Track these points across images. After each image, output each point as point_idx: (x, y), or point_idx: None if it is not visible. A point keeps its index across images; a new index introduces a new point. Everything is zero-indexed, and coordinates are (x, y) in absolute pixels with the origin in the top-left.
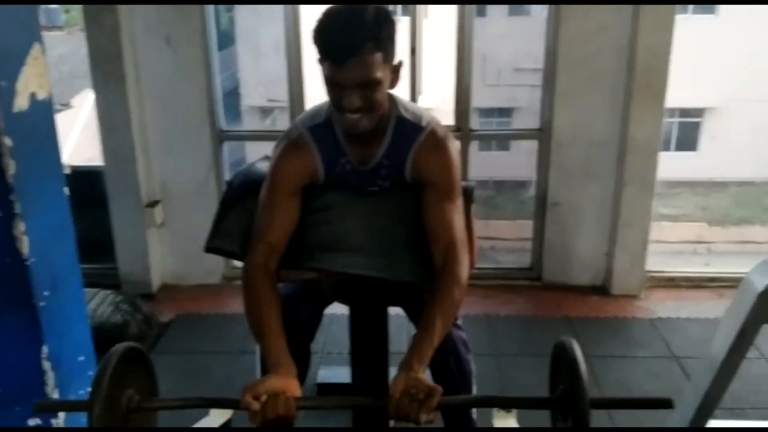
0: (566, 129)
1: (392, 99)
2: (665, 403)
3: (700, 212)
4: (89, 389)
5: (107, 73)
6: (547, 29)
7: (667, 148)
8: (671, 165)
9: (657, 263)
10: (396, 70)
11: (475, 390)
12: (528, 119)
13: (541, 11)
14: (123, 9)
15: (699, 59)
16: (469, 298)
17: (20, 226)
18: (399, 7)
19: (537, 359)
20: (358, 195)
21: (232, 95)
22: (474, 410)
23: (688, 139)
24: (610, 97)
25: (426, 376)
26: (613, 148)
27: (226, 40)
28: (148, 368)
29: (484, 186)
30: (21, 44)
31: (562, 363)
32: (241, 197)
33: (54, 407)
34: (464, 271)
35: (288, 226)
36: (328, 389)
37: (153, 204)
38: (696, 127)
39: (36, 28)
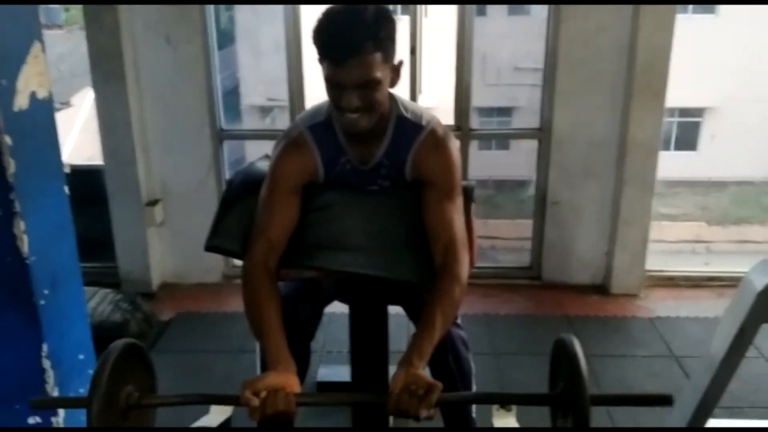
0: (566, 128)
1: (392, 98)
2: (665, 400)
3: (699, 212)
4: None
5: (107, 72)
6: (547, 29)
7: (666, 148)
8: (671, 164)
9: (656, 262)
10: (396, 70)
11: (474, 389)
12: (528, 119)
13: (541, 11)
14: (123, 8)
15: (699, 59)
16: (469, 297)
17: (20, 225)
18: (399, 6)
19: (536, 358)
20: (358, 194)
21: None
22: (474, 410)
23: (687, 139)
24: (610, 96)
25: (426, 373)
26: (612, 147)
27: (226, 39)
28: (147, 365)
29: (484, 185)
30: (21, 43)
31: (562, 359)
32: (241, 196)
33: (52, 404)
34: (464, 270)
35: (288, 224)
36: (327, 388)
37: (153, 203)
38: (696, 126)
39: (36, 26)
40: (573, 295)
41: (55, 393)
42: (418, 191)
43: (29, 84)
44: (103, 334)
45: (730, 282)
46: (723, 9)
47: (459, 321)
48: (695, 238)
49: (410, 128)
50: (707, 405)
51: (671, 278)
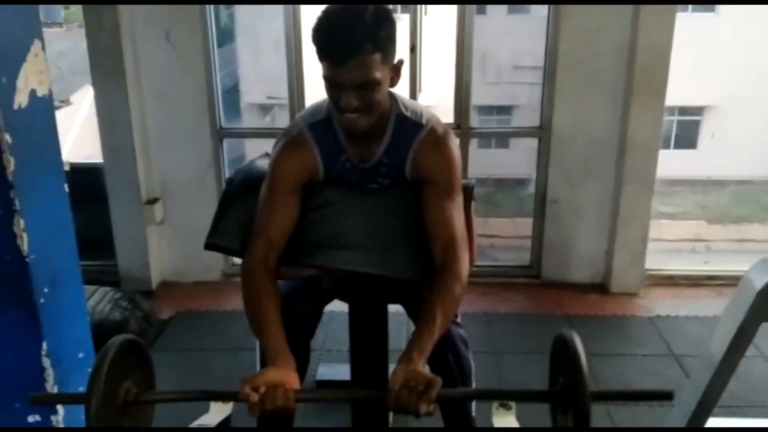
0: (566, 127)
1: (392, 97)
2: (666, 395)
3: (699, 210)
4: None
5: (107, 69)
6: (547, 27)
7: (666, 147)
8: (671, 163)
9: (656, 261)
10: (396, 69)
11: (474, 387)
12: (528, 117)
13: (541, 9)
14: (123, 6)
15: (699, 58)
16: (469, 295)
17: (20, 223)
18: (399, 5)
19: (536, 357)
20: (358, 192)
21: (232, 92)
22: (473, 409)
23: (687, 138)
24: (610, 95)
25: (425, 370)
26: (612, 146)
27: (226, 36)
28: (145, 361)
29: (484, 184)
30: (21, 41)
31: (562, 356)
32: (241, 194)
33: (50, 400)
34: (464, 268)
35: (288, 222)
36: (327, 386)
37: (153, 201)
38: (695, 125)
39: (36, 24)
40: (572, 294)
41: (55, 391)
42: (418, 190)
43: (29, 82)
44: (102, 332)
45: (730, 281)
46: (723, 8)
47: (459, 319)
48: (695, 236)
49: (410, 127)
50: (707, 404)
51: (671, 277)
